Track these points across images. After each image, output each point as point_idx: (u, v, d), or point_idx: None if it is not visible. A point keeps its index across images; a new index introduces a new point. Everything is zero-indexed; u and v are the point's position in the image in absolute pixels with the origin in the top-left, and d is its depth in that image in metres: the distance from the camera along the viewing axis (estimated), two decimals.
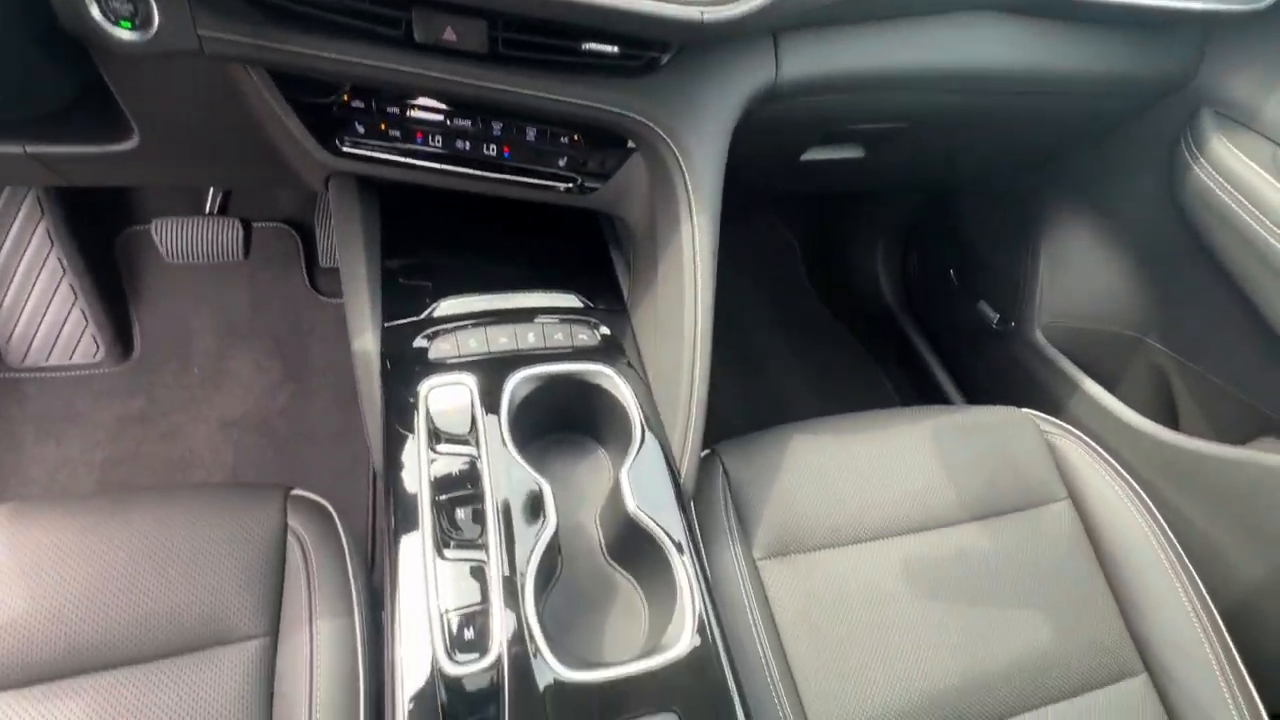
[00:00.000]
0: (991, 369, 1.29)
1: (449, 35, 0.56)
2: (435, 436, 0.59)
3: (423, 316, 0.68)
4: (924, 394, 1.45)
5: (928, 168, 1.10)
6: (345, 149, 0.66)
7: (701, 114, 0.63)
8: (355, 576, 0.62)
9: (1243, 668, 0.77)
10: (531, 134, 0.66)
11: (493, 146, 0.67)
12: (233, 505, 0.64)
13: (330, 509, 0.67)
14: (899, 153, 0.98)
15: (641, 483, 0.59)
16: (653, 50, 0.60)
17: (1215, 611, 0.79)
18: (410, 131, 0.65)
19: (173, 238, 1.19)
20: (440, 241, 0.77)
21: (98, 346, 1.24)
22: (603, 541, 0.63)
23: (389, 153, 0.66)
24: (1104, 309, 1.10)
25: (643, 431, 0.62)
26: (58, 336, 1.23)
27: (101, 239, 1.27)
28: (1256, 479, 0.87)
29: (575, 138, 0.66)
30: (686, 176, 0.62)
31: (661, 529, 0.57)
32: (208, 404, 1.24)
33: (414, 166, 0.67)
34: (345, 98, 0.64)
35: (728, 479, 0.77)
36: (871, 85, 0.73)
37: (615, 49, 0.58)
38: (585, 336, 0.68)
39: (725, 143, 0.65)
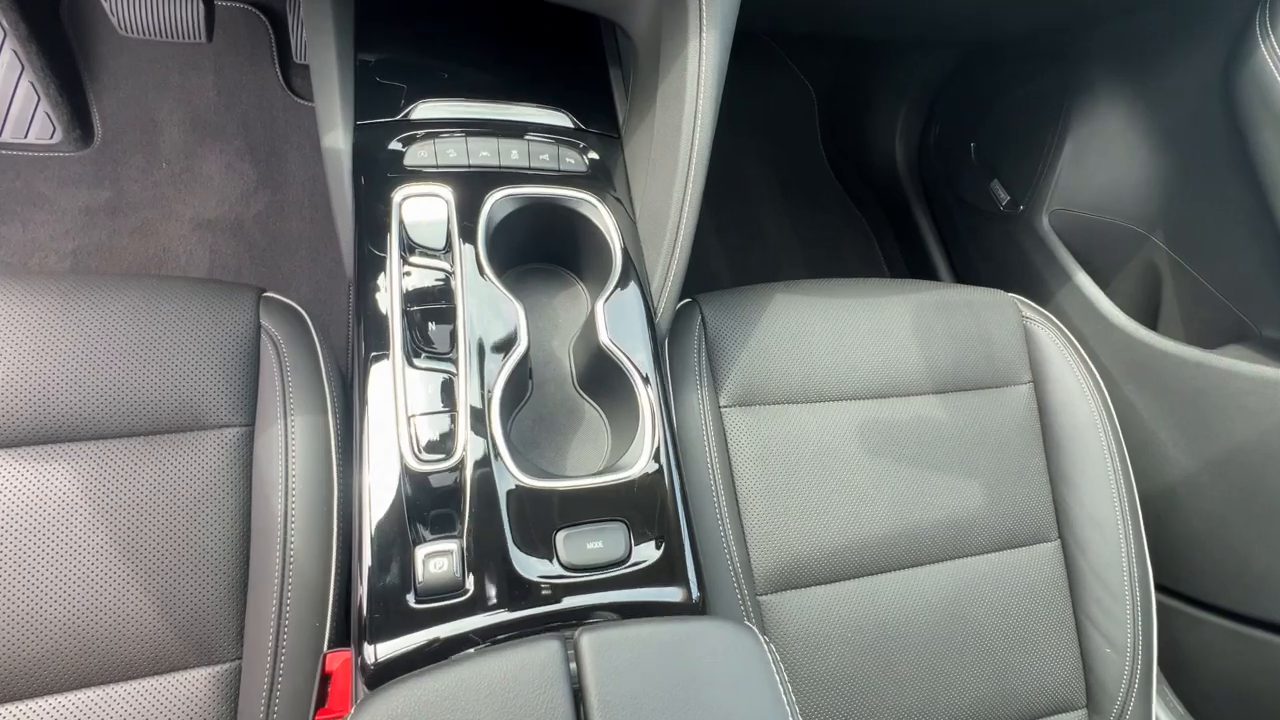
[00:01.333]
0: (988, 251, 1.26)
1: None
2: (409, 248, 0.57)
3: (399, 117, 0.62)
4: (914, 270, 1.43)
5: (971, 10, 0.98)
6: None
7: None
8: (329, 379, 0.63)
9: (1145, 544, 0.85)
10: None
11: None
12: (207, 299, 0.63)
13: (303, 313, 0.67)
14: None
15: (616, 316, 0.59)
16: None
17: (1136, 496, 0.86)
18: None
19: (124, 3, 1.06)
20: (421, 37, 0.69)
21: (53, 126, 1.15)
22: (574, 371, 0.64)
23: None
24: (1119, 200, 1.05)
25: (623, 266, 0.61)
26: (7, 110, 1.13)
27: (44, 5, 1.13)
28: (1214, 381, 0.90)
29: None
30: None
31: (631, 361, 0.58)
32: (180, 202, 1.19)
33: None
34: None
35: (704, 328, 0.77)
36: None
37: None
38: (573, 160, 0.64)
39: None
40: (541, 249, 0.67)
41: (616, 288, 0.60)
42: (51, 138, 1.16)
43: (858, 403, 0.83)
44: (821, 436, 0.79)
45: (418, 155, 0.60)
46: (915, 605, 0.78)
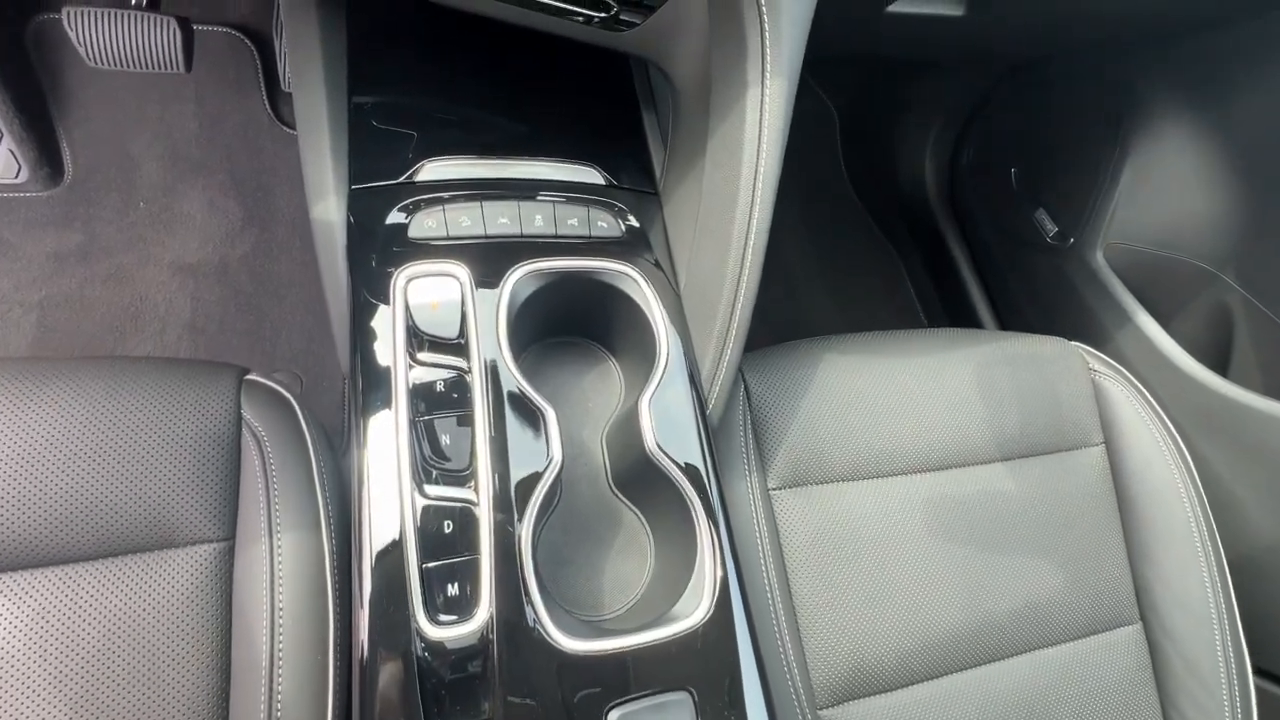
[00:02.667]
0: (1033, 286, 1.17)
1: None
2: (416, 340, 0.48)
3: (401, 180, 0.53)
4: (949, 304, 1.35)
5: (1029, 31, 0.90)
6: None
7: None
8: (323, 486, 0.53)
9: (1240, 624, 0.76)
10: None
11: None
12: (179, 386, 0.54)
13: (293, 401, 0.57)
14: (1007, 8, 0.79)
15: (664, 417, 0.50)
16: None
17: (1226, 567, 0.77)
18: None
19: (92, 33, 0.96)
20: (426, 81, 0.60)
21: (19, 165, 1.05)
22: (609, 469, 0.55)
23: None
24: (1184, 234, 0.97)
25: (668, 353, 0.51)
26: None
27: (7, 29, 1.03)
28: None
29: None
30: (765, 19, 0.46)
31: (683, 474, 0.48)
32: (158, 244, 1.09)
33: None
34: None
35: (748, 398, 0.68)
36: None
37: None
38: (606, 224, 0.55)
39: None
40: (569, 322, 0.58)
41: (662, 382, 0.51)
42: (17, 177, 1.06)
43: (919, 477, 0.74)
44: (881, 519, 0.70)
45: (424, 225, 0.51)
46: (989, 710, 0.69)
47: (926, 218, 1.37)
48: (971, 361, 0.79)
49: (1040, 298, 1.16)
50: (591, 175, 0.58)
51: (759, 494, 0.65)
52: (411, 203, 0.52)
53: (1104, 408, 0.83)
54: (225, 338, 1.05)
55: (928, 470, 0.74)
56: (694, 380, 0.52)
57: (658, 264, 0.56)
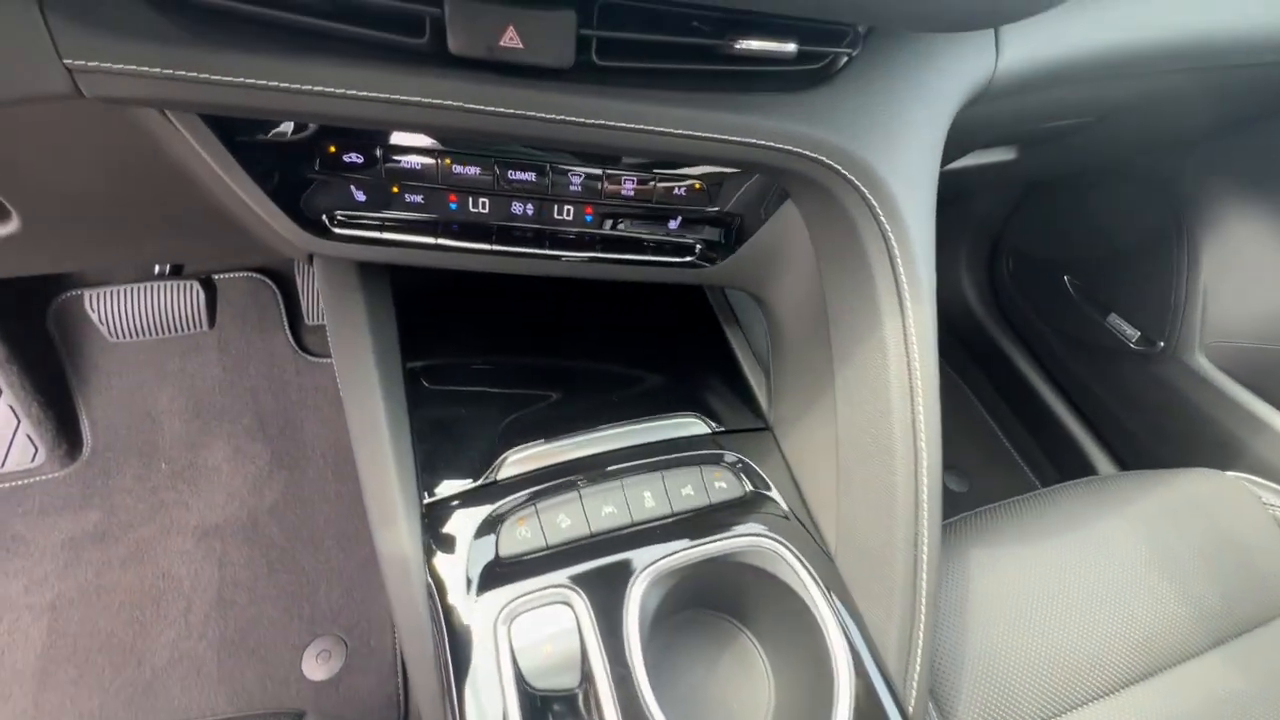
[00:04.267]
0: (1128, 395, 1.07)
1: (510, 40, 0.32)
2: (530, 700, 0.36)
3: (480, 483, 0.44)
4: (1030, 425, 1.24)
5: (1077, 164, 0.87)
6: (337, 229, 0.42)
7: (903, 138, 0.40)
8: None
9: None
10: (629, 185, 0.42)
11: (568, 209, 0.43)
12: None
13: None
14: (1059, 151, 0.76)
15: None
16: (840, 44, 0.37)
17: None
18: (439, 195, 0.42)
19: (115, 312, 0.94)
20: (487, 349, 0.53)
21: (35, 448, 0.99)
22: None
23: (407, 230, 0.43)
24: None
25: (849, 664, 0.40)
26: None
27: (30, 312, 1.02)
28: None
29: (697, 184, 0.43)
30: (891, 238, 0.39)
31: None
32: (181, 508, 1.00)
33: (447, 248, 0.43)
34: (331, 149, 0.40)
35: None
36: (1107, 69, 0.50)
37: (793, 46, 0.34)
38: (725, 483, 0.46)
39: (936, 179, 0.43)
40: (699, 597, 0.46)
41: (854, 700, 0.38)
42: (33, 460, 1.00)
43: (1125, 694, 0.59)
44: None
45: (518, 536, 0.41)
46: None
47: (981, 336, 1.30)
48: (1135, 523, 0.67)
49: (1140, 406, 1.05)
50: (693, 425, 0.49)
51: None
52: (497, 511, 0.43)
53: None
54: (258, 608, 0.93)
55: (1136, 681, 0.60)
56: (890, 687, 0.40)
57: (792, 516, 0.46)
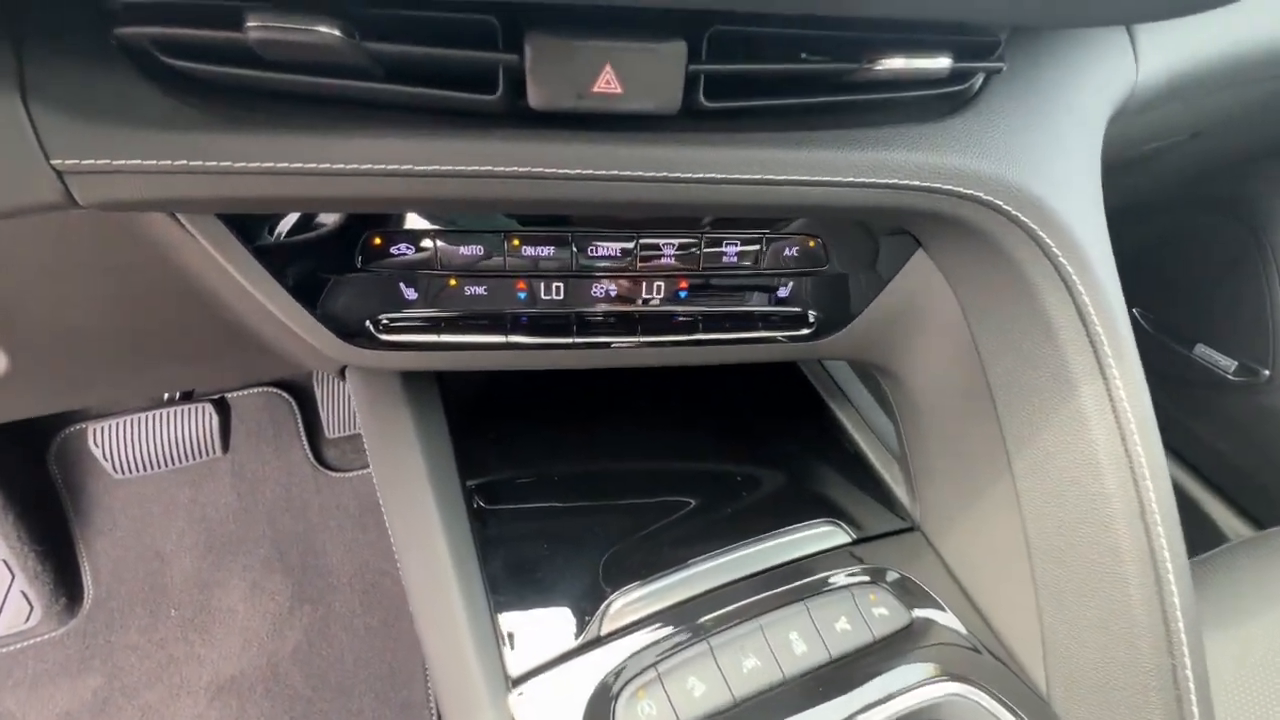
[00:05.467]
0: (1236, 431, 0.97)
1: (606, 84, 0.26)
2: None
3: (581, 640, 0.35)
4: None
5: (1148, 190, 0.82)
6: (384, 335, 0.35)
7: (1064, 162, 0.34)
8: None
9: None
10: (731, 250, 0.35)
11: (658, 285, 0.35)
12: None
13: None
14: (1141, 175, 0.70)
15: None
16: (990, 58, 0.30)
17: None
18: (505, 283, 0.34)
19: (121, 446, 0.87)
20: (556, 448, 0.45)
21: (31, 606, 0.89)
22: None
23: (469, 329, 0.35)
24: None
25: None
26: None
27: (29, 452, 0.94)
28: None
29: (811, 242, 0.36)
30: (1074, 280, 0.32)
31: None
32: (192, 663, 0.88)
33: (520, 346, 0.35)
34: (376, 241, 0.33)
35: None
36: (1237, 76, 0.44)
37: (946, 62, 0.28)
38: (886, 609, 0.36)
39: (1103, 208, 0.36)
40: None
41: None
42: (28, 620, 0.89)
43: None
44: None
45: (641, 714, 0.31)
46: None
47: None
48: None
49: (1253, 441, 0.94)
50: (827, 535, 0.40)
51: None
52: (610, 680, 0.33)
53: None
54: None
55: None
56: None
57: (981, 648, 0.36)
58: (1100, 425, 0.32)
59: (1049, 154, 0.33)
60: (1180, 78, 0.41)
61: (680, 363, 0.38)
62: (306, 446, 1.04)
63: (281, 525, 1.01)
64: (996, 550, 0.37)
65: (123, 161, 0.26)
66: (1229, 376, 0.93)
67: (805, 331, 0.37)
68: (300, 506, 1.03)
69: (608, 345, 0.35)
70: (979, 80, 0.32)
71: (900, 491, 0.43)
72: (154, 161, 0.26)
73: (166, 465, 0.89)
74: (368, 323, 0.34)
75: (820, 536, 0.39)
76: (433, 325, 0.35)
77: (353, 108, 0.27)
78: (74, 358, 0.43)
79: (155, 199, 0.28)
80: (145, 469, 0.88)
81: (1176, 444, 1.06)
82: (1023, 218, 0.32)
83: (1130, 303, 1.06)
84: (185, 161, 0.26)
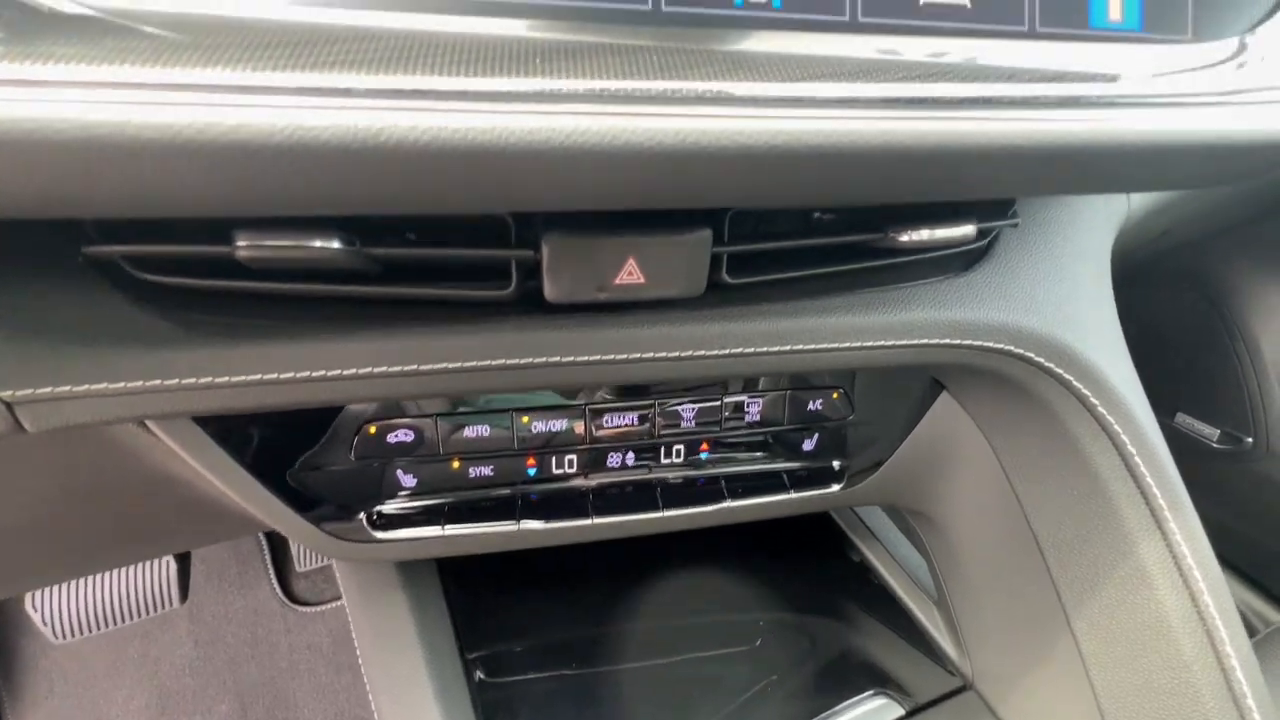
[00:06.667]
0: (1227, 499, 0.97)
1: (629, 276, 0.24)
2: None
3: None
4: None
5: (1118, 272, 0.84)
6: (380, 534, 0.31)
7: (1083, 302, 0.33)
8: None
9: None
10: (754, 409, 0.33)
11: (678, 450, 0.33)
12: None
13: None
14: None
15: None
16: (1006, 215, 0.30)
17: None
18: (514, 461, 0.32)
19: (63, 609, 0.78)
20: (567, 610, 0.41)
21: None
22: None
23: (476, 516, 0.32)
24: None
25: None
26: None
27: None
28: None
29: (835, 394, 0.34)
30: (1120, 434, 0.31)
31: None
32: None
33: (532, 533, 0.32)
34: (371, 430, 0.30)
35: None
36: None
37: (972, 228, 0.28)
38: None
39: (1124, 342, 0.35)
40: None
41: None
42: None
43: None
44: None
45: None
46: None
47: None
48: None
49: (1248, 510, 0.95)
50: (880, 709, 0.36)
51: None
52: None
53: None
54: None
55: None
56: None
57: None
58: (1165, 584, 0.29)
59: (1071, 300, 0.32)
60: (1167, 198, 0.42)
61: (702, 525, 0.35)
62: (275, 582, 0.96)
63: (245, 674, 0.91)
64: (1060, 711, 0.34)
65: (85, 387, 0.23)
66: (1213, 445, 0.94)
67: (835, 488, 0.35)
68: (268, 650, 0.94)
69: (630, 522, 0.32)
70: (999, 228, 0.32)
71: (944, 642, 0.40)
72: (122, 384, 0.23)
73: (116, 623, 0.80)
74: (361, 516, 0.31)
75: (873, 711, 0.36)
76: (435, 515, 0.31)
77: (350, 308, 0.25)
78: (12, 553, 0.37)
79: (121, 417, 0.25)
80: (91, 630, 0.79)
81: None
82: (1056, 369, 0.31)
83: None
84: (159, 381, 0.23)
